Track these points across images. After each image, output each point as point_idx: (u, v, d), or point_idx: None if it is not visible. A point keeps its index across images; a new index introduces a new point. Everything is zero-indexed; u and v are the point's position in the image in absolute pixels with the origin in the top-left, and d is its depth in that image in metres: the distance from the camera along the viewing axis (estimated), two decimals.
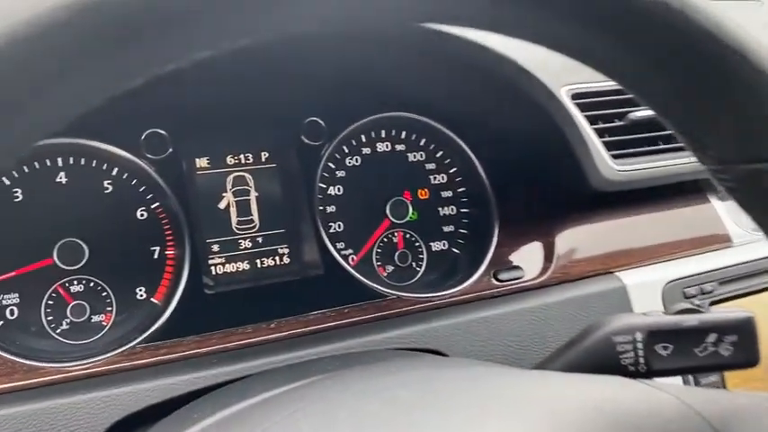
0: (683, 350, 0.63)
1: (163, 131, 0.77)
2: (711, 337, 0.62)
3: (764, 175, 0.43)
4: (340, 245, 0.84)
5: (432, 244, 0.89)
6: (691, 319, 0.64)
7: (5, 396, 0.62)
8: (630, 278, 0.82)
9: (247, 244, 0.81)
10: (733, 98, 0.41)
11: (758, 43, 0.39)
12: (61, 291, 0.73)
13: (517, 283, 0.81)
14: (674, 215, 0.91)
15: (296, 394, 0.52)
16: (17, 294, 0.72)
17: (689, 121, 0.43)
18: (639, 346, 0.63)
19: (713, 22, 0.38)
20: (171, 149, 0.77)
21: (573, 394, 0.48)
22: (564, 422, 0.42)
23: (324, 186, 0.85)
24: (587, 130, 0.81)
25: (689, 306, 0.66)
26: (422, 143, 0.90)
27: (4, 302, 0.71)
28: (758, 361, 0.61)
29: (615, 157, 0.83)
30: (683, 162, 0.86)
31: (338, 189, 0.86)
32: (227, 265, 0.79)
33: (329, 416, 0.44)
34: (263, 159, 0.82)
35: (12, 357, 0.66)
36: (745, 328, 0.63)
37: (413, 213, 0.88)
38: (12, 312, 0.71)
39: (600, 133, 0.83)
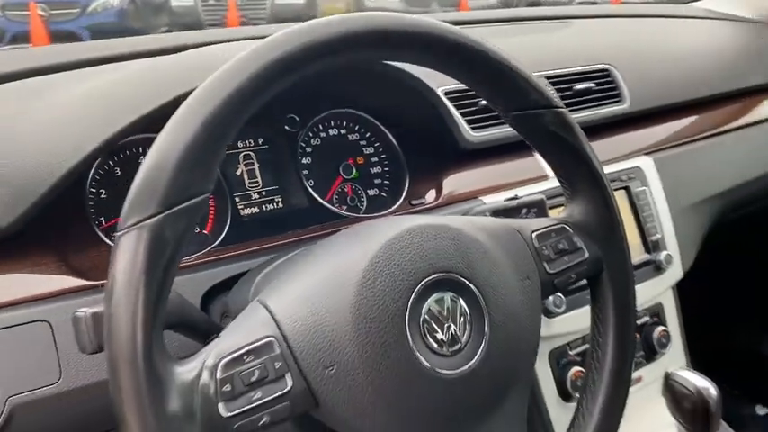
0: None
1: None
2: (523, 212, 1.15)
3: (524, 118, 0.78)
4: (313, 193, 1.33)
5: (368, 191, 1.36)
6: (513, 203, 1.14)
7: None
8: (488, 199, 1.33)
9: (256, 196, 1.26)
10: (497, 80, 0.76)
11: (509, 58, 0.85)
12: None
13: (421, 206, 1.31)
14: (519, 163, 1.42)
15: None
16: None
17: (485, 91, 0.79)
18: None
19: (482, 50, 0.78)
20: None
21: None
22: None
23: (300, 158, 1.32)
24: (455, 113, 1.33)
25: (512, 196, 1.20)
26: (356, 128, 1.37)
27: None
28: None
29: (474, 128, 1.35)
30: None
31: (309, 159, 1.31)
32: (245, 209, 1.26)
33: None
34: (260, 143, 1.28)
35: None
36: (539, 205, 1.16)
37: (356, 173, 1.35)
38: None
39: (465, 114, 1.36)
